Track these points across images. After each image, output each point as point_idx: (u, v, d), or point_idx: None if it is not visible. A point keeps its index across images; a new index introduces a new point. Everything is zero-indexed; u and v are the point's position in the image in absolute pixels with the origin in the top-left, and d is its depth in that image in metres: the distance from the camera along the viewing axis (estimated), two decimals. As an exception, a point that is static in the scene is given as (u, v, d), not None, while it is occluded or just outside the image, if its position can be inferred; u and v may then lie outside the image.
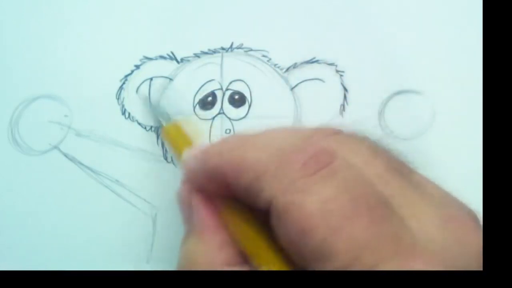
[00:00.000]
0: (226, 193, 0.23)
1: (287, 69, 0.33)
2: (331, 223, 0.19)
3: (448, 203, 0.21)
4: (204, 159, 0.23)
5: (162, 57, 0.34)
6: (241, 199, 0.22)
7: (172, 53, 0.34)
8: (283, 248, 0.21)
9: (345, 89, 0.33)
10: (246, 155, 0.22)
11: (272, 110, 0.33)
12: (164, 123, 0.28)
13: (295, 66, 0.33)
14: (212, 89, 0.33)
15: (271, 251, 0.22)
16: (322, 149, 0.21)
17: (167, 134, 0.28)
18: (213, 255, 0.23)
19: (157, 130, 0.33)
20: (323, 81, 0.33)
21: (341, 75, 0.33)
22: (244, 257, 0.23)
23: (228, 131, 0.33)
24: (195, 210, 0.24)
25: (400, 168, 0.21)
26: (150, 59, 0.34)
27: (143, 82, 0.34)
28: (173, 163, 0.33)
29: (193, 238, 0.24)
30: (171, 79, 0.34)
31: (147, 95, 0.30)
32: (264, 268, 0.21)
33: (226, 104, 0.33)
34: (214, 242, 0.23)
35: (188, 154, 0.25)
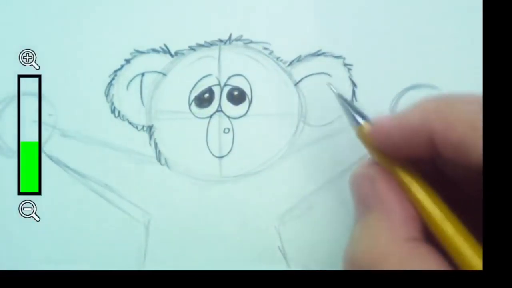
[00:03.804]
0: (425, 153, 0.23)
1: (291, 63, 0.33)
2: None
3: None
4: (404, 119, 0.24)
5: (154, 50, 0.33)
6: (445, 156, 0.23)
7: (166, 45, 0.33)
8: None
9: (354, 84, 0.33)
10: (456, 108, 0.22)
11: (275, 107, 0.33)
12: (360, 122, 0.27)
13: (299, 59, 0.33)
14: (209, 85, 0.33)
15: (458, 230, 0.22)
16: None
17: (363, 133, 0.27)
18: (397, 230, 0.23)
19: (149, 129, 0.33)
20: (330, 76, 0.33)
21: (349, 69, 0.33)
22: (428, 233, 0.23)
23: (226, 130, 0.33)
24: (378, 185, 0.25)
25: None
26: (142, 52, 0.33)
27: (134, 77, 0.33)
28: (167, 166, 0.33)
29: (374, 214, 0.24)
30: (164, 74, 0.33)
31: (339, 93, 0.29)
32: (448, 247, 0.22)
33: (225, 101, 0.33)
34: (398, 216, 0.23)
35: (379, 118, 0.26)
